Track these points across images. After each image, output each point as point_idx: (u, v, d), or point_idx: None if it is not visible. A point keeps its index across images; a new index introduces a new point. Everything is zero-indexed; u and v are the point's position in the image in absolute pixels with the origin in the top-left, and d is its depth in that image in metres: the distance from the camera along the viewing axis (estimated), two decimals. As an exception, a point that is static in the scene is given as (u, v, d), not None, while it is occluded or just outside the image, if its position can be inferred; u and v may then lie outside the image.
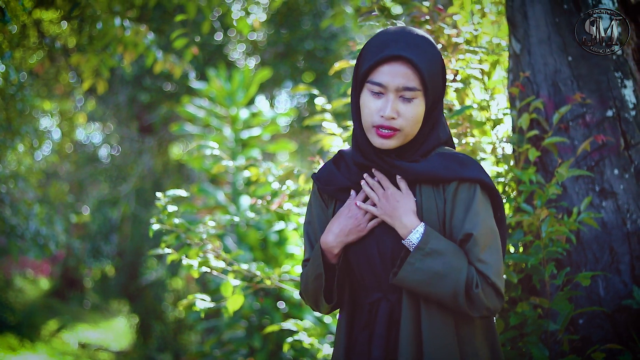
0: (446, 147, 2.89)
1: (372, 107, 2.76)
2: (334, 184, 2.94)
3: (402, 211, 2.75)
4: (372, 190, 2.83)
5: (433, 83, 2.76)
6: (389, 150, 2.81)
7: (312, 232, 3.03)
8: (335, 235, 2.85)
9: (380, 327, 2.82)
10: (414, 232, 2.71)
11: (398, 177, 2.80)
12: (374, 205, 2.83)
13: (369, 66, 2.76)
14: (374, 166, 2.84)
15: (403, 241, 2.74)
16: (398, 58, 2.73)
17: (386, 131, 2.74)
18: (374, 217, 2.84)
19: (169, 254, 4.19)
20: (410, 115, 2.73)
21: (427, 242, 2.68)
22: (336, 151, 4.26)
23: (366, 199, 2.86)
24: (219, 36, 12.69)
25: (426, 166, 2.78)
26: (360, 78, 2.80)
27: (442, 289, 2.66)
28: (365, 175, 2.86)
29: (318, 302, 2.97)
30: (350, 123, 4.37)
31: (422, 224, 2.73)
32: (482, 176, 2.77)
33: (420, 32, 2.83)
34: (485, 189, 2.79)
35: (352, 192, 2.88)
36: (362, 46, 2.98)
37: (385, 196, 2.79)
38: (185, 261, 4.14)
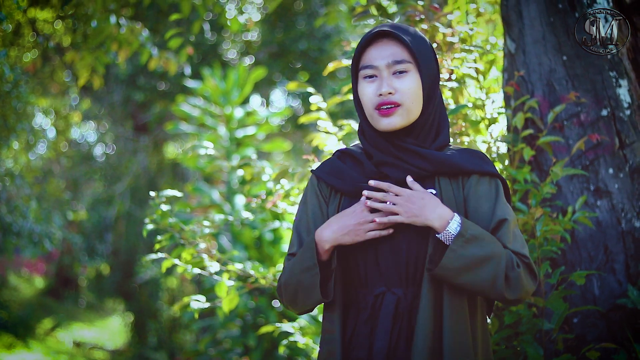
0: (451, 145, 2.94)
1: (369, 92, 2.81)
2: (347, 180, 2.91)
3: (433, 206, 2.73)
4: (382, 200, 2.77)
5: (424, 58, 2.80)
6: (403, 137, 2.82)
7: (304, 228, 2.98)
8: (332, 231, 2.81)
9: (384, 319, 2.80)
10: (452, 222, 2.70)
11: (409, 179, 2.79)
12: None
13: (358, 52, 2.84)
14: (392, 161, 2.83)
15: (438, 235, 2.71)
16: (382, 36, 2.81)
17: (387, 107, 2.77)
18: (375, 227, 2.80)
19: (163, 259, 4.17)
20: (406, 87, 2.77)
21: (466, 229, 2.69)
22: (331, 149, 4.28)
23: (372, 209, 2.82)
24: (213, 36, 12.68)
25: (447, 156, 2.81)
26: (354, 70, 2.87)
27: (483, 273, 2.67)
28: (364, 192, 2.79)
29: (298, 297, 2.91)
30: (345, 122, 4.37)
31: (456, 213, 2.73)
32: (493, 170, 2.82)
33: (406, 25, 2.91)
34: (505, 187, 2.86)
35: (363, 197, 2.82)
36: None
37: (406, 200, 2.75)
38: (179, 265, 4.13)
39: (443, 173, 2.81)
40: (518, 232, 2.79)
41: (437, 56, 2.93)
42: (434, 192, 2.80)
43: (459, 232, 2.68)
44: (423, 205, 2.73)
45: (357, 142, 3.02)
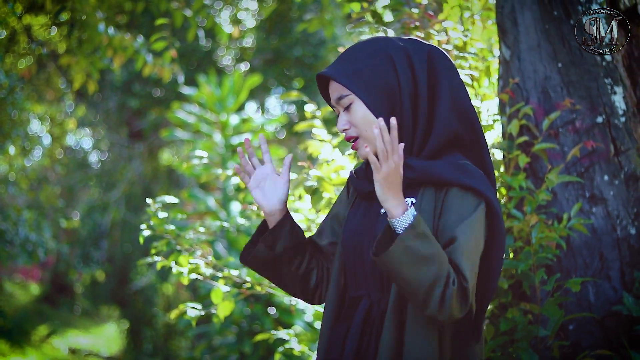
0: (459, 156, 2.84)
1: None
2: (359, 181, 2.96)
3: (398, 191, 2.65)
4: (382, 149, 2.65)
5: (361, 84, 2.78)
6: None
7: (327, 218, 3.13)
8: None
9: (356, 322, 2.83)
10: (409, 211, 2.62)
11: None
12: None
13: (321, 91, 3.00)
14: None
15: (392, 219, 2.62)
16: (324, 79, 2.93)
17: (351, 141, 2.86)
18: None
19: (158, 261, 4.17)
20: (354, 120, 2.81)
21: (419, 223, 2.59)
22: (325, 157, 4.31)
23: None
24: (208, 42, 12.69)
25: (432, 165, 2.75)
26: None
27: (425, 274, 2.55)
28: (381, 120, 2.62)
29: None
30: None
31: (412, 207, 2.65)
32: (482, 188, 2.72)
33: (363, 41, 2.92)
34: (490, 210, 2.74)
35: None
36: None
37: (395, 169, 2.63)
38: (175, 268, 4.12)
39: (428, 183, 2.77)
40: (472, 258, 2.65)
41: (390, 55, 2.84)
42: (413, 201, 2.78)
43: (412, 224, 2.58)
44: (395, 184, 2.64)
45: None
